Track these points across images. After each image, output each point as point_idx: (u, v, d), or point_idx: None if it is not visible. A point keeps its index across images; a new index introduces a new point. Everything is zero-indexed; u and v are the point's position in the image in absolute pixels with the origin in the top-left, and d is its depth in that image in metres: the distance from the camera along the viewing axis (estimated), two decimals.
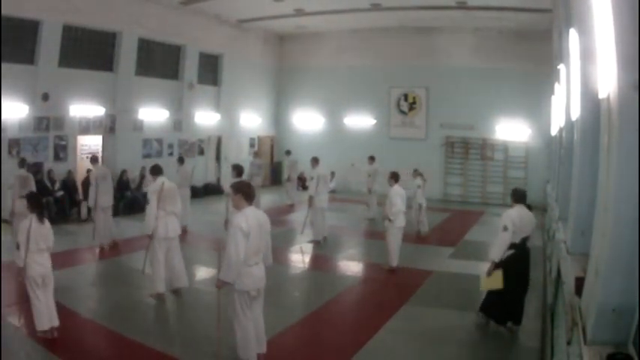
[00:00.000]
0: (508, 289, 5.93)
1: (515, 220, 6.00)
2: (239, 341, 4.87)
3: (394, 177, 8.90)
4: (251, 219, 4.73)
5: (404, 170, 14.83)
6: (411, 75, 18.60)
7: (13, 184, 8.77)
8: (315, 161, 11.33)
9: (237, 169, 8.93)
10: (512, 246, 5.99)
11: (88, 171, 12.99)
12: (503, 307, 6.09)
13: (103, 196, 10.03)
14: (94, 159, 10.48)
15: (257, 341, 4.96)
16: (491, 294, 6.17)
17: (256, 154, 16.77)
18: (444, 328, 6.44)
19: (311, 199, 10.84)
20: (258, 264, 4.89)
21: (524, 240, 6.11)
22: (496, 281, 5.91)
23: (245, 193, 4.86)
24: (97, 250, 9.82)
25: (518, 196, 6.39)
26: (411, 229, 11.64)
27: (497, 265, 5.95)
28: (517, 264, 6.00)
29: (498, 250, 6.00)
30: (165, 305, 6.96)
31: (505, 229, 5.96)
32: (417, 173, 12.45)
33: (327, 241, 11.04)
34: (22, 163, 9.58)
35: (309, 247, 10.69)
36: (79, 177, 13.17)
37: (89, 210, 11.83)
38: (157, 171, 7.49)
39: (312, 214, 10.93)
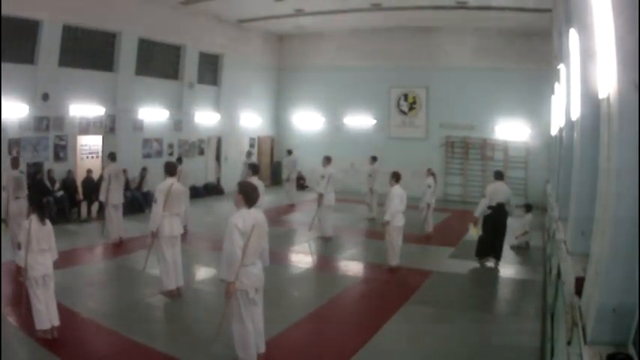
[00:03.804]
0: (487, 236, 9.21)
1: (489, 191, 9.30)
2: (238, 341, 4.87)
3: (395, 177, 8.91)
4: (248, 219, 4.75)
5: (405, 170, 14.84)
6: (411, 75, 18.61)
7: (7, 185, 8.75)
8: (327, 160, 11.60)
9: (254, 168, 8.96)
10: (490, 207, 9.15)
11: (89, 171, 13.08)
12: (483, 248, 9.34)
13: (115, 194, 10.26)
14: (111, 155, 10.66)
15: (256, 341, 4.96)
16: (479, 242, 9.34)
17: (250, 154, 16.81)
18: (444, 328, 6.44)
19: (321, 197, 11.01)
20: (255, 263, 4.91)
21: (501, 204, 9.15)
22: (477, 230, 9.28)
23: (247, 195, 4.87)
24: (107, 247, 9.97)
25: (497, 175, 9.67)
26: (416, 228, 11.69)
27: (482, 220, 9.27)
28: (493, 220, 9.18)
29: (478, 209, 9.28)
30: (165, 305, 6.96)
31: (483, 196, 9.43)
32: (429, 172, 12.43)
33: (331, 241, 11.08)
34: (16, 163, 9.38)
35: (314, 245, 10.72)
36: (79, 177, 13.17)
37: (100, 207, 11.91)
38: (170, 170, 7.45)
39: (320, 211, 11.07)
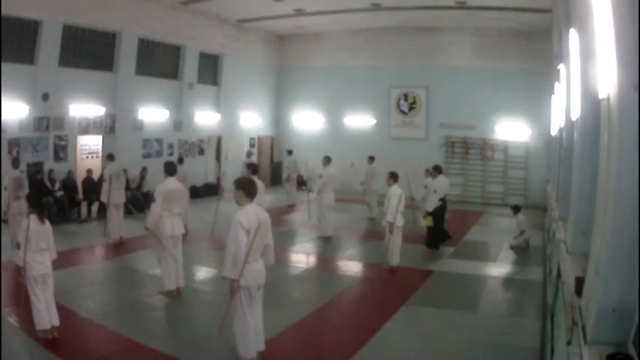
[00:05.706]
0: (439, 226, 10.21)
1: (440, 185, 10.17)
2: (239, 338, 4.87)
3: (393, 177, 8.93)
4: (251, 216, 4.76)
5: (403, 170, 14.83)
6: (411, 75, 18.60)
7: (7, 185, 8.78)
8: (326, 160, 11.67)
9: (253, 168, 9.00)
10: (440, 200, 10.11)
11: (89, 171, 13.07)
12: (438, 238, 10.26)
13: (116, 194, 10.33)
14: (110, 156, 10.76)
15: (256, 339, 4.97)
16: (429, 234, 10.26)
17: (250, 154, 16.75)
18: (444, 328, 6.44)
19: (317, 197, 11.12)
20: (258, 260, 4.91)
21: (444, 197, 10.23)
22: (429, 221, 10.13)
23: (246, 189, 4.90)
24: (107, 247, 9.99)
25: (439, 169, 10.62)
26: (415, 229, 11.68)
27: (429, 213, 10.13)
28: (440, 212, 10.16)
29: (431, 204, 10.16)
30: (165, 305, 6.96)
31: (435, 192, 10.15)
32: (428, 172, 12.36)
33: (330, 241, 11.07)
34: (16, 163, 9.43)
35: (313, 245, 10.71)
36: (79, 177, 13.17)
37: (100, 207, 11.93)
38: (170, 170, 7.47)
39: (319, 211, 11.11)
